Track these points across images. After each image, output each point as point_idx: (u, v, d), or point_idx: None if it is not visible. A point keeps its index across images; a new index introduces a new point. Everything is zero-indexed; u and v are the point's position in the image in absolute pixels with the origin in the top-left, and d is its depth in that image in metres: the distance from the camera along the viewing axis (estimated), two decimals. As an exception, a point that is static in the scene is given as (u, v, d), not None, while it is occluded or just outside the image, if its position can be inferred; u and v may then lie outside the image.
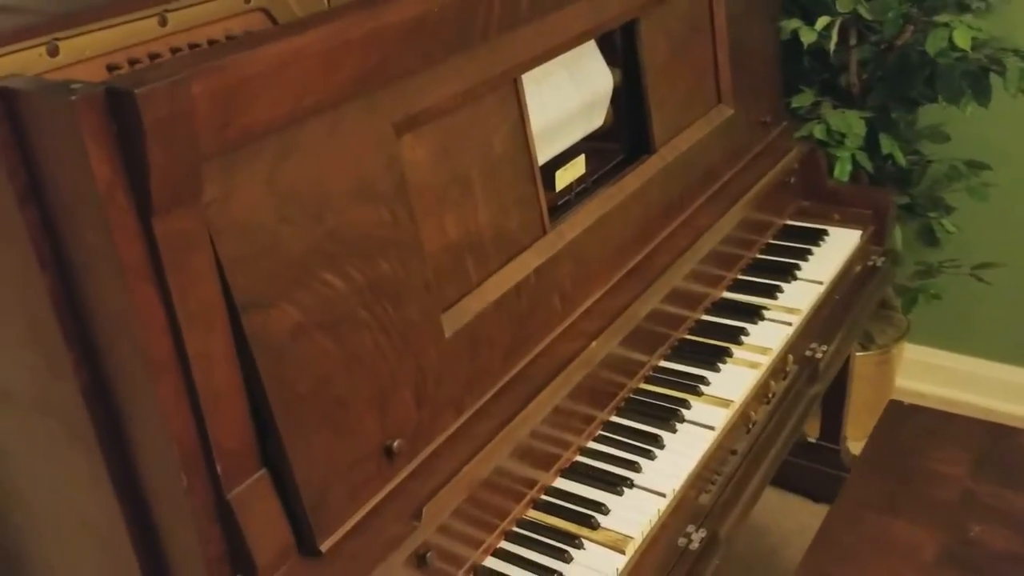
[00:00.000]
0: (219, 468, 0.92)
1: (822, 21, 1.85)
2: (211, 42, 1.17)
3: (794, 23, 1.87)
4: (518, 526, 1.23)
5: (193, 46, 1.15)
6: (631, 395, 1.45)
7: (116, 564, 1.01)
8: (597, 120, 1.52)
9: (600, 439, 1.38)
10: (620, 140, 1.58)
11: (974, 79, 1.91)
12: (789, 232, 1.90)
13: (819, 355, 1.63)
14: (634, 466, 1.32)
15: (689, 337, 1.59)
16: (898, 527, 1.42)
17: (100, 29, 1.05)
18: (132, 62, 1.08)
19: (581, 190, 1.47)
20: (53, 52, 1.01)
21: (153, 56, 1.10)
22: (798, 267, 1.77)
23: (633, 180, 1.49)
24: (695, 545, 1.26)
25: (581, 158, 1.46)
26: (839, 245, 1.85)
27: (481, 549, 1.18)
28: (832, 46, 1.88)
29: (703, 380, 1.48)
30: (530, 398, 1.23)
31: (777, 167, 1.81)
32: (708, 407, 1.43)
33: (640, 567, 1.21)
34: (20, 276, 0.87)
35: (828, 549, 1.39)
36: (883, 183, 2.15)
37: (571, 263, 1.35)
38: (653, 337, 1.51)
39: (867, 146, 2.01)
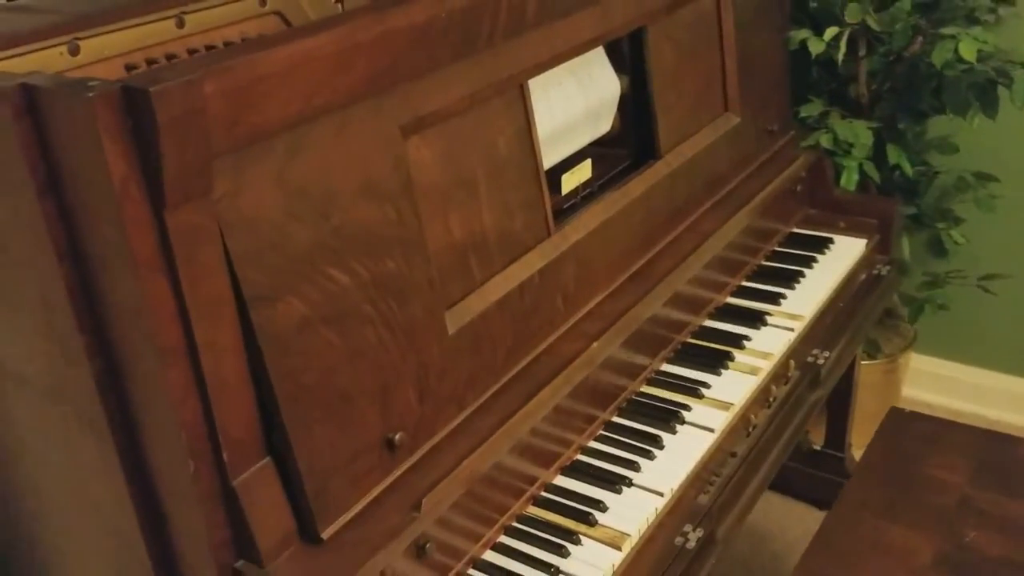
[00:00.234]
0: (225, 455, 0.95)
1: (830, 32, 1.87)
2: (227, 44, 1.20)
3: (803, 33, 1.90)
4: (518, 521, 1.26)
5: (209, 47, 1.19)
6: (633, 396, 1.48)
7: (125, 549, 1.05)
8: (604, 126, 1.55)
9: (601, 439, 1.40)
10: (627, 146, 1.61)
11: (981, 91, 1.93)
12: (795, 240, 1.92)
13: (821, 361, 1.64)
14: (633, 465, 1.34)
15: (692, 341, 1.61)
16: (895, 531, 1.43)
17: (119, 30, 1.09)
18: (150, 62, 1.12)
19: (587, 194, 1.49)
20: (74, 51, 1.05)
21: (170, 57, 1.14)
22: (802, 274, 1.79)
23: (638, 185, 1.51)
24: (692, 544, 1.28)
25: (587, 162, 1.48)
26: (844, 253, 1.87)
27: (481, 543, 1.21)
28: (840, 57, 1.89)
29: (704, 384, 1.50)
30: (531, 396, 1.25)
31: (783, 175, 1.83)
32: (708, 410, 1.45)
33: (636, 564, 1.23)
34: (38, 266, 0.91)
35: (825, 552, 1.41)
36: (891, 193, 2.16)
37: (575, 265, 1.37)
38: (656, 340, 1.53)
39: (875, 156, 2.03)
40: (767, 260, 1.85)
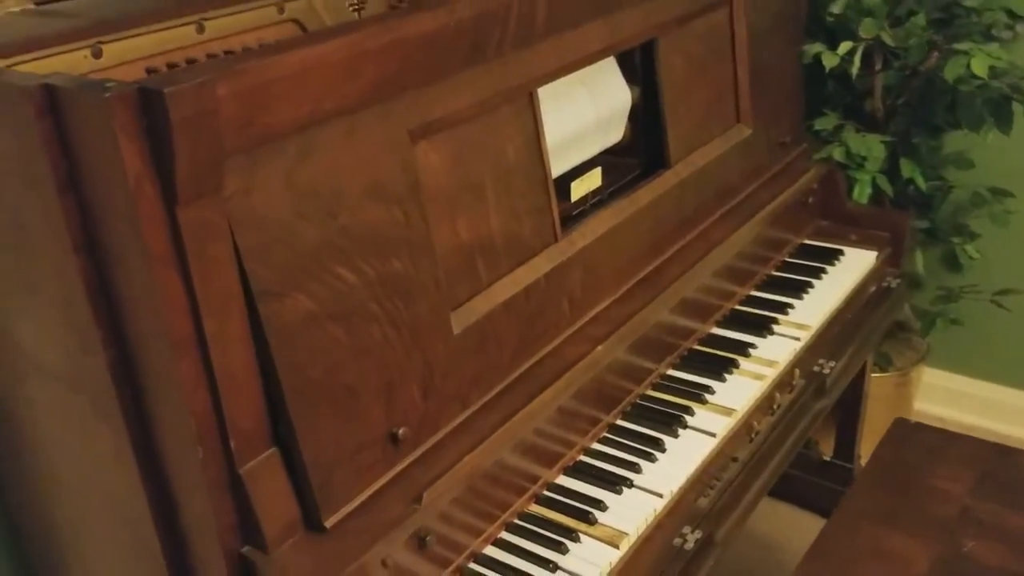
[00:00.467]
0: (233, 444, 0.99)
1: (844, 46, 1.89)
2: (246, 50, 1.25)
3: (816, 47, 1.92)
4: (519, 518, 1.29)
5: (228, 53, 1.23)
6: (637, 400, 1.51)
7: (136, 533, 1.09)
8: (615, 135, 1.58)
9: (604, 440, 1.43)
10: (638, 155, 1.63)
11: (996, 107, 1.93)
12: (805, 251, 1.94)
13: (827, 371, 1.66)
14: (635, 467, 1.37)
15: (698, 348, 1.63)
16: (894, 539, 1.45)
17: (141, 34, 1.13)
18: (170, 66, 1.16)
19: (596, 201, 1.52)
20: (97, 54, 1.10)
21: (190, 61, 1.19)
22: (811, 285, 1.81)
23: (647, 193, 1.54)
24: (690, 546, 1.31)
25: (597, 170, 1.51)
26: (853, 265, 1.89)
27: (482, 537, 1.24)
28: (854, 71, 1.91)
29: (708, 389, 1.52)
30: (534, 397, 1.28)
31: (793, 187, 1.85)
32: (711, 415, 1.48)
33: (634, 563, 1.26)
34: (57, 259, 0.95)
35: (822, 558, 1.43)
36: (905, 207, 2.17)
37: (581, 270, 1.40)
38: (662, 346, 1.56)
39: (888, 170, 2.04)
40: (777, 270, 1.87)
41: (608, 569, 1.23)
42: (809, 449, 2.28)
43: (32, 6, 1.19)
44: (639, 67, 1.58)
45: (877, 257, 1.92)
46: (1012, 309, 2.24)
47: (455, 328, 1.20)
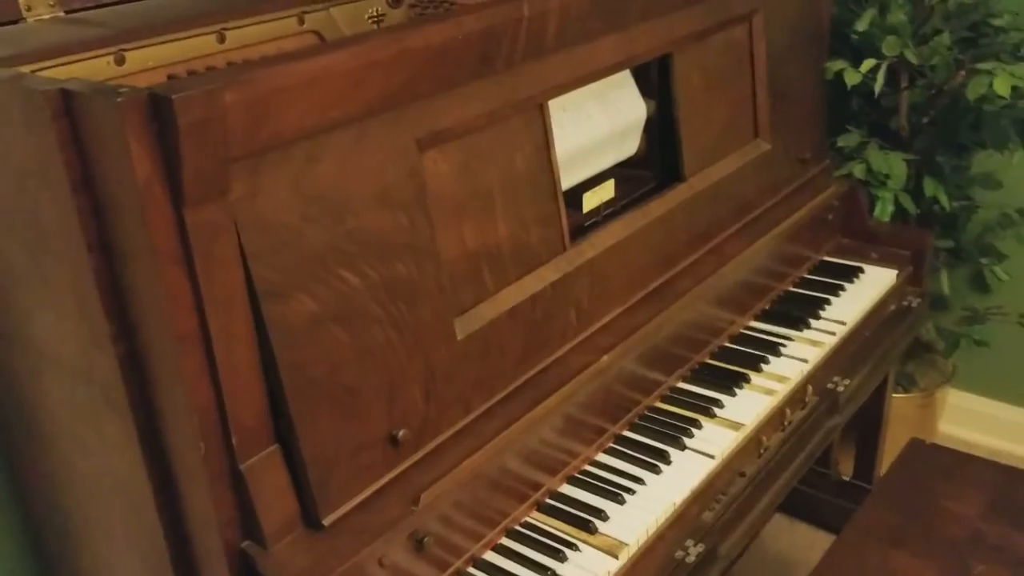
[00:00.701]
0: (234, 439, 1.02)
1: (867, 64, 1.89)
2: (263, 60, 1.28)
3: (839, 64, 1.92)
4: (521, 525, 1.30)
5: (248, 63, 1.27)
6: (645, 412, 1.51)
7: (142, 522, 1.12)
8: (630, 148, 1.59)
9: (610, 451, 1.44)
10: (653, 168, 1.65)
11: (1021, 127, 1.92)
12: (825, 267, 1.93)
13: (841, 388, 1.65)
14: (639, 479, 1.38)
15: (710, 361, 1.64)
16: (902, 559, 1.44)
17: (163, 43, 1.18)
18: (191, 73, 1.20)
19: (609, 213, 1.54)
20: (120, 61, 1.14)
21: (210, 69, 1.22)
22: (828, 302, 1.81)
23: (659, 206, 1.55)
24: (691, 559, 1.31)
25: (610, 182, 1.53)
26: (873, 283, 1.88)
27: (482, 543, 1.26)
28: (878, 89, 1.91)
29: (718, 403, 1.53)
30: (538, 403, 1.30)
31: (812, 203, 1.85)
32: (719, 429, 1.48)
33: (633, 573, 1.26)
34: (71, 256, 0.99)
35: (829, 575, 1.42)
36: (930, 226, 2.16)
37: (589, 280, 1.42)
38: (672, 358, 1.56)
39: (913, 188, 2.03)
40: (795, 286, 1.87)
41: (607, 578, 1.24)
42: (828, 469, 2.27)
43: (62, 14, 1.24)
44: (655, 81, 1.60)
45: (897, 276, 1.91)
46: (1039, 332, 2.21)
47: (459, 334, 1.22)
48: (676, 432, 1.46)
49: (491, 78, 1.22)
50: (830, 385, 1.66)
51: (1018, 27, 1.97)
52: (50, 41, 1.13)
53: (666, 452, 1.42)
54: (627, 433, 1.47)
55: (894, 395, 2.30)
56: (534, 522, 1.31)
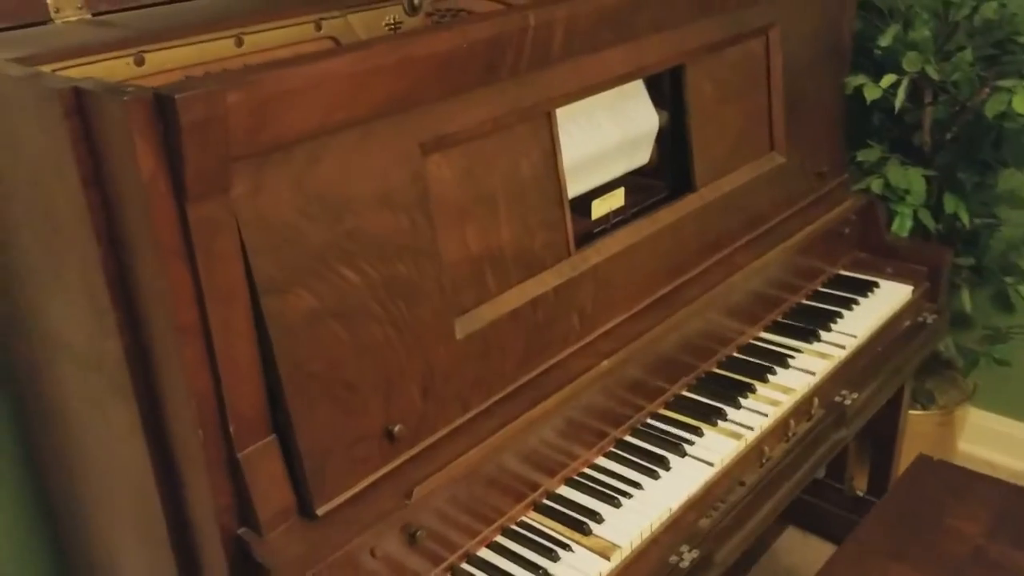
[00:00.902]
0: (232, 428, 1.05)
1: (887, 79, 1.89)
2: (280, 63, 1.32)
3: (859, 79, 1.92)
4: (517, 524, 1.33)
5: (264, 66, 1.31)
6: (649, 418, 1.53)
7: (145, 507, 1.16)
8: (641, 158, 1.61)
9: (610, 455, 1.46)
10: (665, 178, 1.67)
11: (1043, 145, 1.91)
12: (840, 281, 1.93)
13: (848, 402, 1.66)
14: (637, 484, 1.39)
15: (716, 370, 1.65)
16: (900, 572, 1.44)
17: (182, 46, 1.22)
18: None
19: (619, 221, 1.56)
20: (139, 62, 1.19)
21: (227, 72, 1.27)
22: (840, 315, 1.81)
23: (668, 214, 1.57)
24: (685, 564, 1.32)
25: (620, 191, 1.55)
26: (887, 298, 1.87)
27: (477, 539, 1.28)
28: (898, 104, 1.91)
29: (721, 412, 1.54)
30: (536, 405, 1.32)
31: (826, 217, 1.86)
32: (720, 437, 1.49)
33: (625, 575, 1.28)
34: (81, 247, 1.04)
35: (825, 587, 1.43)
36: (952, 243, 2.15)
37: (593, 286, 1.44)
38: (677, 366, 1.58)
39: (934, 204, 2.02)
40: (808, 299, 1.87)
41: (597, 579, 1.26)
42: (843, 484, 2.26)
43: (89, 16, 1.29)
44: (668, 92, 1.61)
45: (913, 291, 1.91)
46: (1062, 353, 2.19)
47: (458, 333, 1.25)
48: (677, 439, 1.48)
49: (497, 86, 1.25)
50: (837, 398, 1.66)
51: (1044, 44, 1.96)
52: (73, 42, 1.18)
53: (666, 458, 1.44)
54: (629, 438, 1.49)
55: (913, 412, 2.29)
56: (530, 521, 1.34)
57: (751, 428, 1.51)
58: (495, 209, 1.30)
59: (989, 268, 2.19)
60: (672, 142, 1.64)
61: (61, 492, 1.42)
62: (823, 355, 1.70)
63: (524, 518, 1.34)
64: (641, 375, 1.50)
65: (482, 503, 1.28)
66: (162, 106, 0.91)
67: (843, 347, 1.73)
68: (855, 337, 1.75)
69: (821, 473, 2.29)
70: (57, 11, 1.26)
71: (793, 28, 1.79)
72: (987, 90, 1.98)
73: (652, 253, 1.54)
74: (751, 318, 1.74)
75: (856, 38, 2.04)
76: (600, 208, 1.53)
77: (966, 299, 2.21)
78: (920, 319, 1.90)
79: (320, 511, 1.12)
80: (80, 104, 0.95)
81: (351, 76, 1.05)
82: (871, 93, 1.90)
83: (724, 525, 1.41)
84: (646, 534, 1.32)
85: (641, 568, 1.31)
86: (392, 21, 1.46)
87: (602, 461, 1.45)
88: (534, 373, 1.36)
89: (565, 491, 1.39)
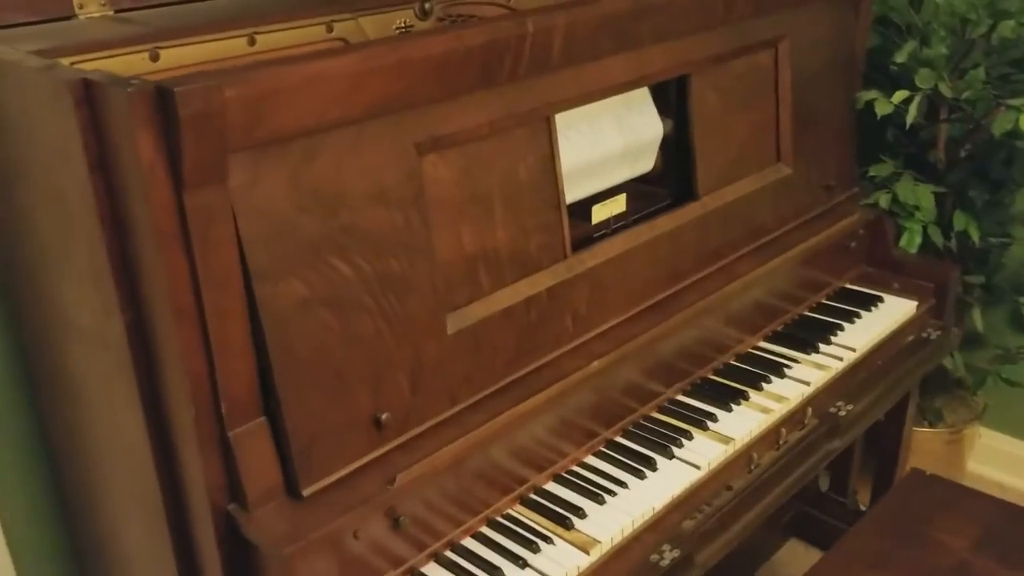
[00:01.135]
0: (224, 407, 1.11)
1: (899, 95, 1.90)
2: (290, 62, 1.38)
3: (871, 94, 1.93)
4: (502, 517, 1.37)
5: (275, 65, 1.36)
6: (640, 420, 1.56)
7: (144, 481, 1.22)
8: (644, 165, 1.64)
9: (599, 454, 1.49)
10: (668, 186, 1.70)
11: (1054, 165, 1.91)
12: (845, 294, 1.95)
13: (843, 413, 1.67)
14: (622, 483, 1.42)
15: (712, 377, 1.68)
16: (881, 583, 1.45)
17: (196, 43, 1.28)
18: (219, 73, 1.30)
19: (619, 226, 1.59)
20: (155, 58, 1.25)
21: (239, 69, 1.32)
22: (841, 328, 1.82)
23: (667, 221, 1.60)
24: (665, 563, 1.35)
25: (621, 196, 1.58)
26: (890, 313, 1.89)
27: (461, 529, 1.32)
28: (910, 120, 1.92)
29: (712, 417, 1.56)
30: (524, 401, 1.36)
31: (831, 230, 1.87)
32: (709, 442, 1.52)
33: (604, 570, 1.32)
34: (88, 230, 1.09)
35: (806, 593, 1.45)
36: (964, 260, 2.15)
37: (588, 288, 1.47)
38: (672, 370, 1.61)
39: (945, 221, 2.03)
40: (811, 311, 1.89)
41: (576, 572, 1.29)
42: (846, 498, 2.27)
43: (111, 13, 1.36)
44: (673, 100, 1.64)
45: (918, 307, 1.91)
46: (1072, 375, 2.17)
47: (450, 329, 1.29)
48: (666, 441, 1.50)
49: (495, 89, 1.29)
50: (832, 409, 1.68)
51: (1061, 65, 1.96)
52: (94, 37, 1.25)
53: (653, 459, 1.47)
54: (619, 439, 1.52)
55: (921, 430, 2.30)
56: (515, 514, 1.37)
57: (740, 434, 1.53)
58: (491, 210, 1.34)
59: (1000, 287, 2.18)
60: (676, 150, 1.67)
61: (73, 475, 1.48)
62: (820, 366, 1.72)
63: (510, 511, 1.38)
64: (633, 378, 1.53)
65: (468, 494, 1.32)
66: (163, 99, 0.97)
67: (841, 359, 1.74)
68: (854, 350, 1.77)
69: (824, 486, 2.29)
70: (81, 7, 1.32)
71: (804, 41, 1.81)
72: (1002, 108, 1.98)
73: (650, 259, 1.57)
74: (751, 327, 1.77)
75: (873, 54, 2.06)
76: (600, 213, 1.56)
77: (978, 318, 2.21)
78: (924, 335, 1.91)
79: (306, 492, 1.16)
80: (89, 95, 1.01)
81: (348, 76, 1.10)
82: (882, 108, 1.92)
83: (708, 528, 1.44)
84: (628, 531, 1.35)
85: (621, 564, 1.34)
86: (403, 24, 1.51)
87: (591, 460, 1.48)
88: (525, 371, 1.40)
89: (552, 487, 1.42)
